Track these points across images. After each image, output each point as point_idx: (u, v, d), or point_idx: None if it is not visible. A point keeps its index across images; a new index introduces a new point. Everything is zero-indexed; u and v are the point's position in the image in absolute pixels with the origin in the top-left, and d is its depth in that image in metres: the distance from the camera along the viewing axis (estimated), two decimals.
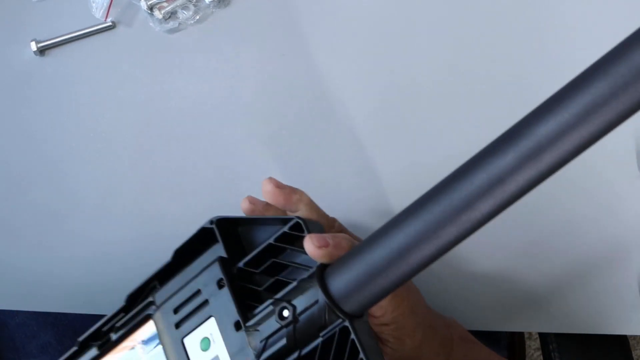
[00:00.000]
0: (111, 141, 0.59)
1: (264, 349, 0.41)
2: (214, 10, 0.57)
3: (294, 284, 0.41)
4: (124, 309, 0.48)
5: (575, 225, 0.54)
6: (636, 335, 1.09)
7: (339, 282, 0.39)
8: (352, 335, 0.39)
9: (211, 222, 0.45)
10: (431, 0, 0.55)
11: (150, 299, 0.47)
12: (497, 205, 0.34)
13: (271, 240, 0.43)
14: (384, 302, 0.44)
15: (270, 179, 0.46)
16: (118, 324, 0.48)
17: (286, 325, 0.40)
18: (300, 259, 0.43)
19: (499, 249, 0.55)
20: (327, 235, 0.40)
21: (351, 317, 0.39)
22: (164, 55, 0.58)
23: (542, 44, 0.54)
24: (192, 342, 0.45)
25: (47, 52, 0.60)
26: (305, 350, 0.40)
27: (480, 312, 0.53)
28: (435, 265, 0.55)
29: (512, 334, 0.64)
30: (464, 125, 0.54)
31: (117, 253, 0.59)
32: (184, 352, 0.45)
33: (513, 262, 0.55)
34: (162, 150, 0.58)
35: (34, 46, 0.59)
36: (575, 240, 0.55)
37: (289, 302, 0.40)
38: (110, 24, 0.59)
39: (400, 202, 0.38)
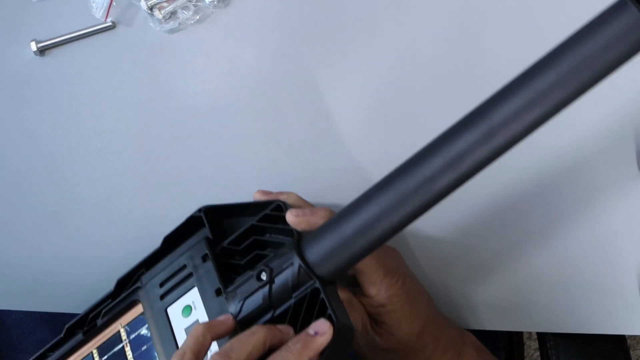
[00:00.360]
0: (111, 141, 0.59)
1: (241, 310, 0.44)
2: (214, 10, 0.57)
3: (272, 255, 0.44)
4: (112, 295, 0.50)
5: (575, 224, 0.55)
6: (636, 335, 1.09)
7: (313, 248, 0.42)
8: (322, 295, 0.41)
9: (199, 210, 0.48)
10: (429, 5, 0.55)
11: (138, 284, 0.49)
12: (444, 185, 0.38)
13: (254, 221, 0.46)
14: (377, 279, 0.46)
15: (259, 191, 0.50)
16: (105, 310, 0.50)
17: (262, 286, 0.43)
18: (280, 239, 0.45)
19: (498, 249, 0.55)
20: (306, 208, 0.44)
21: (323, 280, 0.42)
22: (164, 55, 0.58)
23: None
24: (175, 310, 0.47)
25: (47, 52, 0.60)
26: (278, 311, 0.43)
27: (480, 312, 0.54)
28: (435, 265, 0.55)
29: (511, 334, 0.64)
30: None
31: (117, 253, 0.59)
32: (167, 321, 0.47)
33: (512, 262, 0.55)
34: (162, 150, 0.58)
35: (34, 46, 0.59)
36: (575, 240, 0.55)
37: (266, 265, 0.43)
38: (110, 24, 0.59)
39: None
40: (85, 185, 0.60)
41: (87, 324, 0.51)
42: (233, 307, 0.44)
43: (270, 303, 0.43)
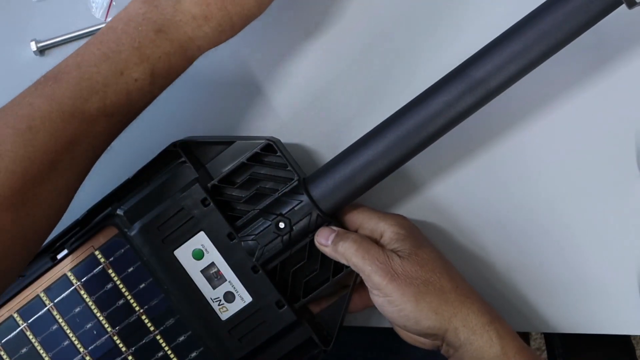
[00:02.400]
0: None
1: (262, 255, 0.49)
2: None
3: (276, 195, 0.49)
4: (80, 224, 0.52)
5: (575, 224, 0.54)
6: (636, 336, 1.09)
7: (319, 190, 0.49)
8: None
9: (174, 145, 0.50)
10: (430, 7, 0.55)
11: (109, 211, 0.51)
12: (426, 134, 0.47)
13: (243, 160, 0.49)
14: (381, 215, 0.50)
15: None
16: (75, 237, 0.52)
17: (283, 235, 0.48)
18: (267, 170, 0.49)
19: (499, 249, 0.55)
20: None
21: (330, 217, 0.49)
22: None
23: None
24: (183, 253, 0.50)
25: (47, 52, 0.60)
26: (295, 249, 0.49)
27: None
28: None
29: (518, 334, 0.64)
30: None
31: None
32: (177, 262, 0.50)
33: (513, 262, 0.55)
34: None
35: (34, 46, 0.59)
36: (576, 239, 0.55)
37: (282, 215, 0.48)
38: None
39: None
40: (85, 185, 0.60)
41: (54, 250, 0.52)
42: (250, 250, 0.49)
43: (289, 245, 0.49)
